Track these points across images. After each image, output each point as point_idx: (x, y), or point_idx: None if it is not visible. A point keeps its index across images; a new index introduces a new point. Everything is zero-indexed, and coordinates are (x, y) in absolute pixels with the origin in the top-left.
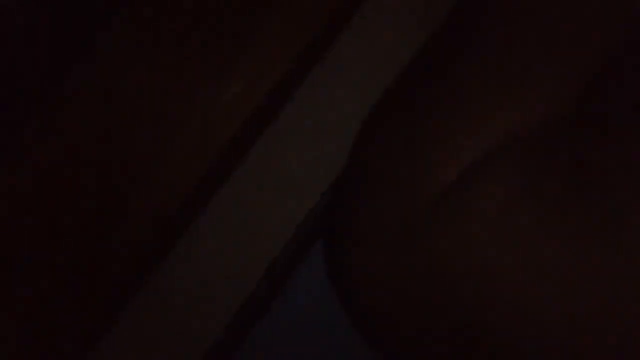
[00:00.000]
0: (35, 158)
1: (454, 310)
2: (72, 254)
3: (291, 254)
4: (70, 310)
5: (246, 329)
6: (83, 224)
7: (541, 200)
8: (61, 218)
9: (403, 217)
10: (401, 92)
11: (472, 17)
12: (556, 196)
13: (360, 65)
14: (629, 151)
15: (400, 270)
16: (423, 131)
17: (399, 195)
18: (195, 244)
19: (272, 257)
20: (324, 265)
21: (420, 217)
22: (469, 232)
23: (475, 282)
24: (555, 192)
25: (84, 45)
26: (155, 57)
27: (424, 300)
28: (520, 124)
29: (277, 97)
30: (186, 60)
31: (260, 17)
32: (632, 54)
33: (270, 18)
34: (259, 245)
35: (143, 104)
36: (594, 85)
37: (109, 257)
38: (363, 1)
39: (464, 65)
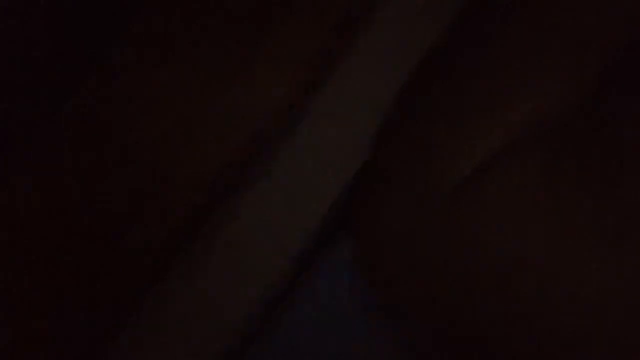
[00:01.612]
0: (49, 158)
1: (475, 301)
2: (87, 254)
3: (312, 247)
4: (84, 310)
5: (265, 323)
6: (99, 224)
7: (557, 190)
8: (76, 218)
9: (422, 208)
10: (417, 87)
11: (484, 11)
12: (572, 187)
13: (381, 59)
14: None
15: (420, 261)
16: (441, 123)
17: (418, 187)
18: (215, 238)
19: (295, 251)
20: (345, 259)
21: (438, 208)
22: (486, 222)
23: (494, 271)
24: (571, 183)
25: (99, 46)
26: (171, 60)
27: (445, 292)
28: (536, 115)
29: (296, 96)
30: (204, 63)
31: (277, 21)
32: None
33: (286, 22)
34: (280, 240)
35: (159, 106)
36: (612, 72)
37: (124, 257)
38: (375, 3)
39: (478, 58)
